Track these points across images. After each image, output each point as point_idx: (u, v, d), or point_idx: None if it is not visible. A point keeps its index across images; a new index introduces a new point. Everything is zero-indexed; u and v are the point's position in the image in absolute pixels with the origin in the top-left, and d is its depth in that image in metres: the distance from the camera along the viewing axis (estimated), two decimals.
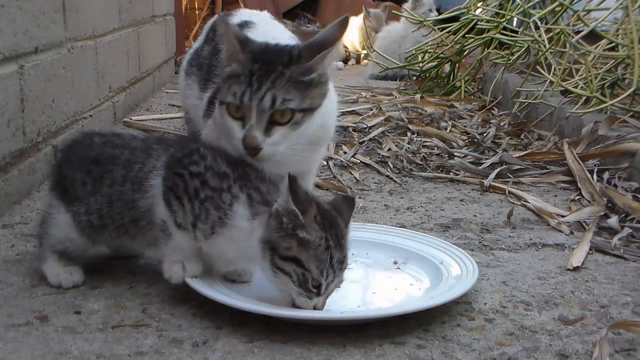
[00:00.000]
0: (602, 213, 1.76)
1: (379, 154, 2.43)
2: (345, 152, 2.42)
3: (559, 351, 1.11)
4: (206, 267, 1.26)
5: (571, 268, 1.45)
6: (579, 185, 1.99)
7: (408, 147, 2.48)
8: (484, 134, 2.68)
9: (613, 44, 2.60)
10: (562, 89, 2.69)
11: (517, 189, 2.02)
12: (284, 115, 1.30)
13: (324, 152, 1.71)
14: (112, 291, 1.30)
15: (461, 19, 3.65)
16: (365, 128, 2.78)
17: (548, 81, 2.78)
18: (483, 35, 3.53)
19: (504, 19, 3.39)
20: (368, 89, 3.93)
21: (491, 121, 2.96)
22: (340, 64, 5.29)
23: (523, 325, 1.20)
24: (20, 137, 1.76)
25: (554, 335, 1.17)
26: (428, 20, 3.87)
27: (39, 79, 1.88)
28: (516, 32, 3.48)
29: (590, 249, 1.56)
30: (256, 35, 1.45)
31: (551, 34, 2.93)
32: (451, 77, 3.85)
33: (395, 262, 1.44)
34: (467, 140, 2.62)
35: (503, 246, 1.60)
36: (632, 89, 2.29)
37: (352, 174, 2.20)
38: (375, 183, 2.14)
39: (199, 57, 1.82)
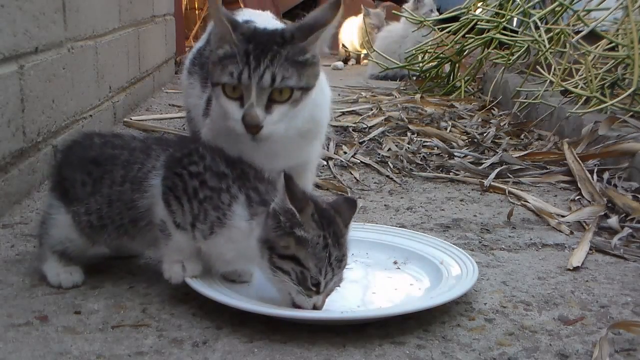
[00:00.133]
0: (602, 213, 1.76)
1: (379, 154, 2.43)
2: (345, 152, 2.42)
3: (559, 351, 1.11)
4: (206, 267, 1.26)
5: (571, 268, 1.45)
6: (579, 185, 1.99)
7: (408, 147, 2.48)
8: (484, 134, 2.68)
9: (613, 44, 2.60)
10: (562, 89, 2.69)
11: (517, 189, 2.02)
12: (282, 93, 1.31)
13: (319, 149, 1.71)
14: (112, 291, 1.30)
15: (461, 19, 3.65)
16: (365, 128, 2.78)
17: (548, 81, 2.78)
18: (483, 35, 3.53)
19: (504, 19, 3.39)
20: (368, 89, 3.93)
21: (491, 121, 2.96)
22: (340, 64, 5.29)
23: (523, 325, 1.20)
24: (20, 137, 1.76)
25: (554, 335, 1.17)
26: (428, 20, 3.87)
27: (39, 79, 1.88)
28: (516, 32, 3.48)
29: (590, 249, 1.56)
30: None
31: (551, 34, 2.93)
32: (451, 77, 3.85)
33: (395, 262, 1.44)
34: (467, 140, 2.62)
35: (503, 246, 1.60)
36: (632, 89, 2.29)
37: (352, 174, 2.20)
38: (375, 183, 2.14)
39: (201, 56, 1.82)
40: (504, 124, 2.87)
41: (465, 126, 2.85)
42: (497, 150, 2.43)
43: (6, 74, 1.67)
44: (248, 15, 1.83)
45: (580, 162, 2.09)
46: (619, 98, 2.37)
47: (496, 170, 2.14)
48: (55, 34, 2.01)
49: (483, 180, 2.08)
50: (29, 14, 1.81)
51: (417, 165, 2.30)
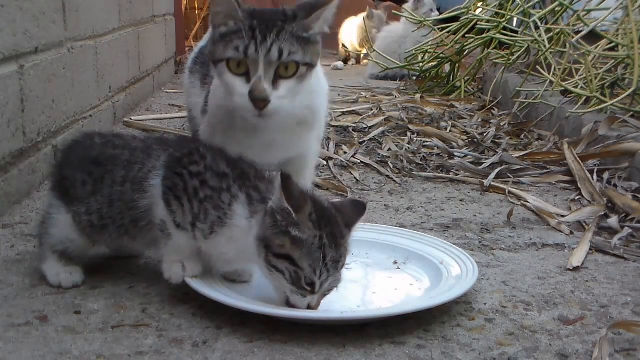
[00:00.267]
0: (602, 213, 1.76)
1: (379, 154, 2.43)
2: (345, 152, 2.42)
3: (559, 351, 1.11)
4: (206, 267, 1.26)
5: (571, 268, 1.45)
6: (579, 185, 1.99)
7: (408, 147, 2.48)
8: (484, 134, 2.68)
9: (613, 44, 2.60)
10: (562, 89, 2.68)
11: (517, 189, 2.02)
12: (288, 68, 1.32)
13: (317, 144, 1.71)
14: (112, 291, 1.30)
15: (461, 19, 3.65)
16: (365, 128, 2.78)
17: (548, 81, 2.78)
18: (483, 35, 3.53)
19: (504, 19, 3.39)
20: (368, 89, 3.93)
21: (491, 121, 2.96)
22: (340, 64, 5.29)
23: (523, 325, 1.20)
24: (20, 137, 1.76)
25: (554, 335, 1.17)
26: (428, 20, 3.87)
27: (39, 79, 1.88)
28: (516, 32, 3.48)
29: (590, 249, 1.56)
30: None
31: (551, 34, 2.93)
32: (451, 77, 3.85)
33: (395, 262, 1.44)
34: (467, 140, 2.62)
35: (503, 246, 1.60)
36: (632, 89, 2.29)
37: (352, 174, 2.20)
38: (375, 183, 2.14)
39: (203, 55, 1.82)
40: (504, 124, 2.87)
41: (465, 126, 2.85)
42: (497, 150, 2.43)
43: (6, 74, 1.67)
44: None
45: (580, 162, 2.09)
46: (619, 98, 2.37)
47: (496, 170, 2.14)
48: (55, 34, 2.01)
49: (483, 180, 2.08)
50: (29, 14, 1.81)
51: (417, 165, 2.30)
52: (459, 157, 2.37)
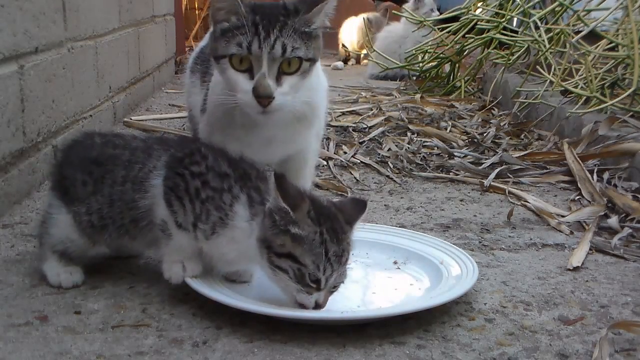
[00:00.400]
0: (602, 213, 1.76)
1: (379, 154, 2.43)
2: (345, 152, 2.42)
3: (559, 351, 1.11)
4: (206, 267, 1.26)
5: (571, 268, 1.45)
6: (579, 185, 1.99)
7: (408, 147, 2.48)
8: (484, 134, 2.68)
9: (613, 44, 2.60)
10: (562, 89, 2.68)
11: (517, 189, 2.02)
12: (291, 64, 1.32)
13: (317, 142, 1.71)
14: (112, 291, 1.30)
15: (461, 19, 3.65)
16: (365, 128, 2.78)
17: (548, 81, 2.78)
18: (483, 35, 3.53)
19: (504, 19, 3.39)
20: (368, 89, 3.93)
21: (491, 121, 2.96)
22: (340, 64, 5.29)
23: (523, 325, 1.20)
24: (20, 137, 1.76)
25: (554, 335, 1.17)
26: (428, 20, 3.87)
27: (39, 79, 1.88)
28: (516, 32, 3.48)
29: (590, 249, 1.56)
30: None
31: (551, 34, 2.93)
32: (451, 77, 3.85)
33: (395, 262, 1.44)
34: (467, 140, 2.62)
35: (503, 246, 1.60)
36: (632, 89, 2.29)
37: (352, 174, 2.20)
38: (375, 183, 2.14)
39: (203, 55, 1.83)
40: (504, 124, 2.87)
41: (465, 126, 2.85)
42: (497, 150, 2.43)
43: (6, 74, 1.67)
44: None
45: (580, 162, 2.09)
46: (619, 98, 2.37)
47: (496, 170, 2.14)
48: (55, 34, 2.01)
49: (483, 180, 2.08)
50: (29, 14, 1.81)
51: (417, 165, 2.30)
52: (459, 157, 2.37)
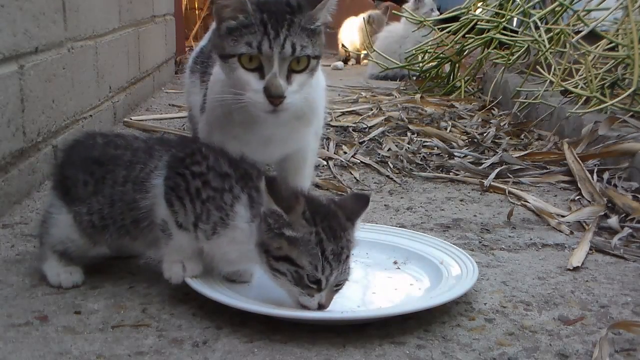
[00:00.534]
0: (602, 213, 1.76)
1: (379, 154, 2.43)
2: (345, 152, 2.42)
3: (559, 351, 1.11)
4: (207, 267, 1.26)
5: (571, 268, 1.45)
6: (579, 185, 1.99)
7: (408, 147, 2.48)
8: (484, 134, 2.68)
9: (613, 44, 2.60)
10: (562, 89, 2.68)
11: (517, 189, 2.02)
12: (300, 62, 1.32)
13: (316, 141, 1.71)
14: (112, 291, 1.30)
15: (461, 19, 3.65)
16: (365, 128, 2.78)
17: (548, 81, 2.78)
18: (483, 35, 3.53)
19: (504, 19, 3.39)
20: (368, 89, 3.93)
21: (491, 121, 2.96)
22: (340, 64, 5.30)
23: (523, 325, 1.20)
24: (20, 137, 1.76)
25: (554, 335, 1.17)
26: (428, 20, 3.87)
27: (39, 79, 1.88)
28: (516, 32, 3.48)
29: (590, 249, 1.56)
30: None
31: (551, 34, 2.93)
32: (451, 77, 3.85)
33: (395, 262, 1.44)
34: (467, 140, 2.62)
35: (503, 246, 1.60)
36: (632, 89, 2.29)
37: (352, 174, 2.20)
38: (375, 183, 2.14)
39: (203, 54, 1.82)
40: (504, 124, 2.87)
41: (465, 126, 2.85)
42: (497, 150, 2.43)
43: (6, 74, 1.67)
44: None
45: (580, 162, 2.09)
46: (619, 98, 2.37)
47: (496, 170, 2.14)
48: (55, 34, 2.01)
49: (483, 180, 2.08)
50: (29, 14, 1.81)
51: (417, 165, 2.30)
52: (459, 157, 2.37)
